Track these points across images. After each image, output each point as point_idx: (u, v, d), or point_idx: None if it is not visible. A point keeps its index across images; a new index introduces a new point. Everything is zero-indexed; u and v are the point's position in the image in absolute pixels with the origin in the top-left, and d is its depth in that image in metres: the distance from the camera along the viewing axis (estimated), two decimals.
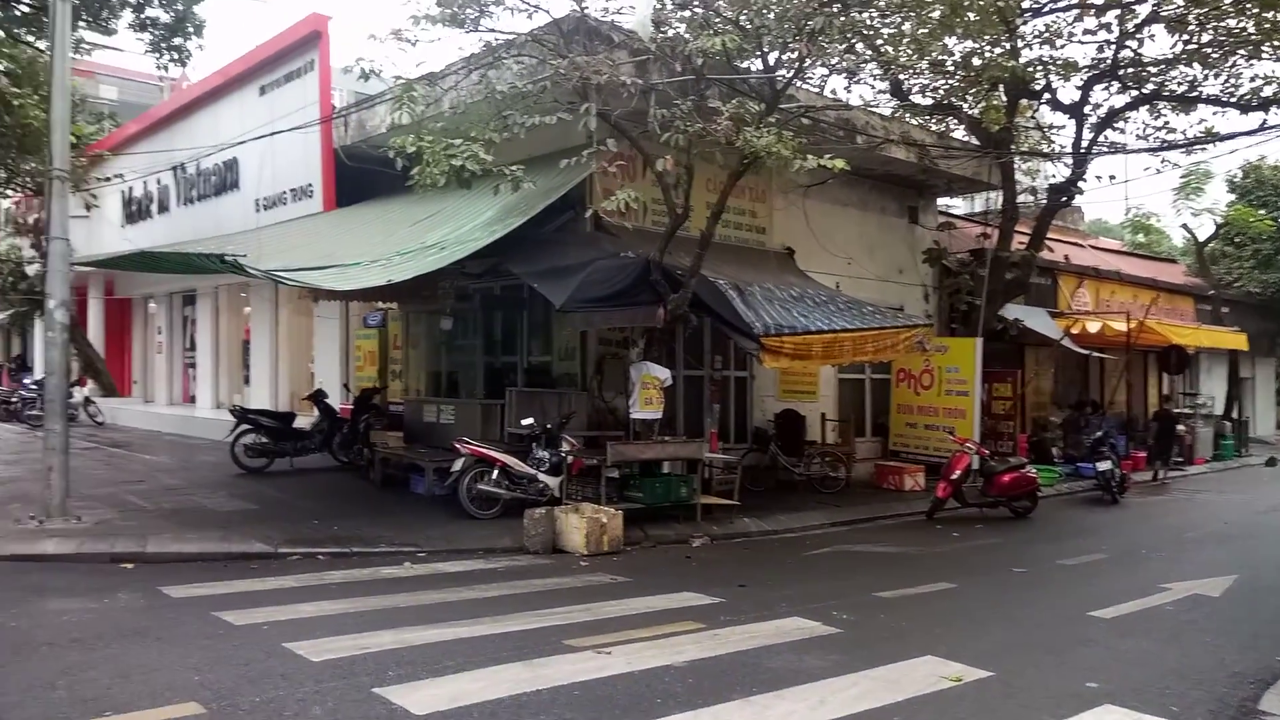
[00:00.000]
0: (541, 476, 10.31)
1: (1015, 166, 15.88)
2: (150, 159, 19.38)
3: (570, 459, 10.24)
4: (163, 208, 20.54)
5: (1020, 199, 16.36)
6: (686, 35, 9.58)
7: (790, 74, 10.41)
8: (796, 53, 9.95)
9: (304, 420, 14.16)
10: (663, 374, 10.67)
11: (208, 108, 18.75)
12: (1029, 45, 15.12)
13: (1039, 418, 18.48)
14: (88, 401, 20.94)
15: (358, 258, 10.84)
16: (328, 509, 10.53)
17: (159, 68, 16.55)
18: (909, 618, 7.04)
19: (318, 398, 13.73)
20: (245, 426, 12.90)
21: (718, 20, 9.75)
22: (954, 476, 12.16)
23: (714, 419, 12.69)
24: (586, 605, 7.05)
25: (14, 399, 22.06)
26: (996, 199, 16.44)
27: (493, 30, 10.18)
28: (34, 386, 20.80)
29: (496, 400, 12.85)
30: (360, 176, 14.49)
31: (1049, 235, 17.45)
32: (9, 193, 22.07)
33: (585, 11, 9.98)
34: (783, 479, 13.27)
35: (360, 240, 12.13)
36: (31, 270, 24.38)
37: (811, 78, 13.48)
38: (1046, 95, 16.06)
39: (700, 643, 6.11)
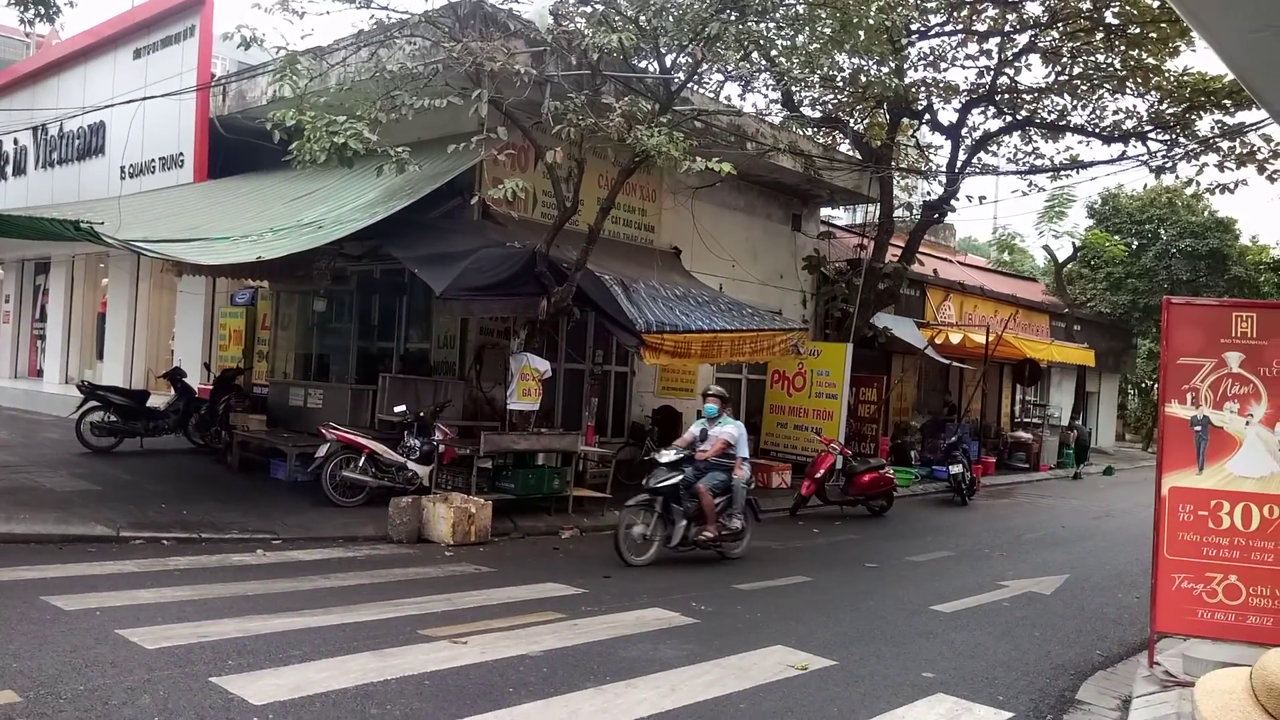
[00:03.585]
0: (411, 465, 10.12)
1: (894, 182, 16.56)
2: (8, 118, 18.13)
3: (442, 448, 10.10)
4: (19, 170, 19.30)
5: (896, 213, 17.08)
6: (585, 30, 9.57)
7: (685, 77, 10.54)
8: (692, 56, 10.09)
9: (159, 399, 13.46)
10: (542, 366, 10.65)
11: (76, 68, 17.74)
12: (914, 66, 15.86)
13: (901, 422, 19.32)
14: None
15: (227, 232, 10.41)
16: (178, 492, 10.03)
17: (23, 22, 15.43)
18: (764, 609, 7.24)
19: (175, 376, 13.05)
20: (93, 403, 12.15)
21: (617, 18, 9.78)
22: (818, 475, 12.59)
23: (591, 412, 12.74)
24: (446, 595, 6.97)
25: None
26: (874, 212, 17.09)
27: (385, 8, 9.94)
28: None
29: (369, 386, 12.54)
30: (236, 149, 13.93)
31: (921, 249, 18.30)
32: None
33: None
34: None
35: (231, 214, 11.65)
36: None
37: (707, 83, 13.74)
38: (927, 116, 16.87)
39: (558, 633, 6.14)
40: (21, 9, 14.83)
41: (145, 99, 13.62)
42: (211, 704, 4.44)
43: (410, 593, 6.98)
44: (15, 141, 19.07)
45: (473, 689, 4.95)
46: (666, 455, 9.03)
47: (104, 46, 16.83)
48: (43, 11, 14.99)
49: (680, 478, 8.81)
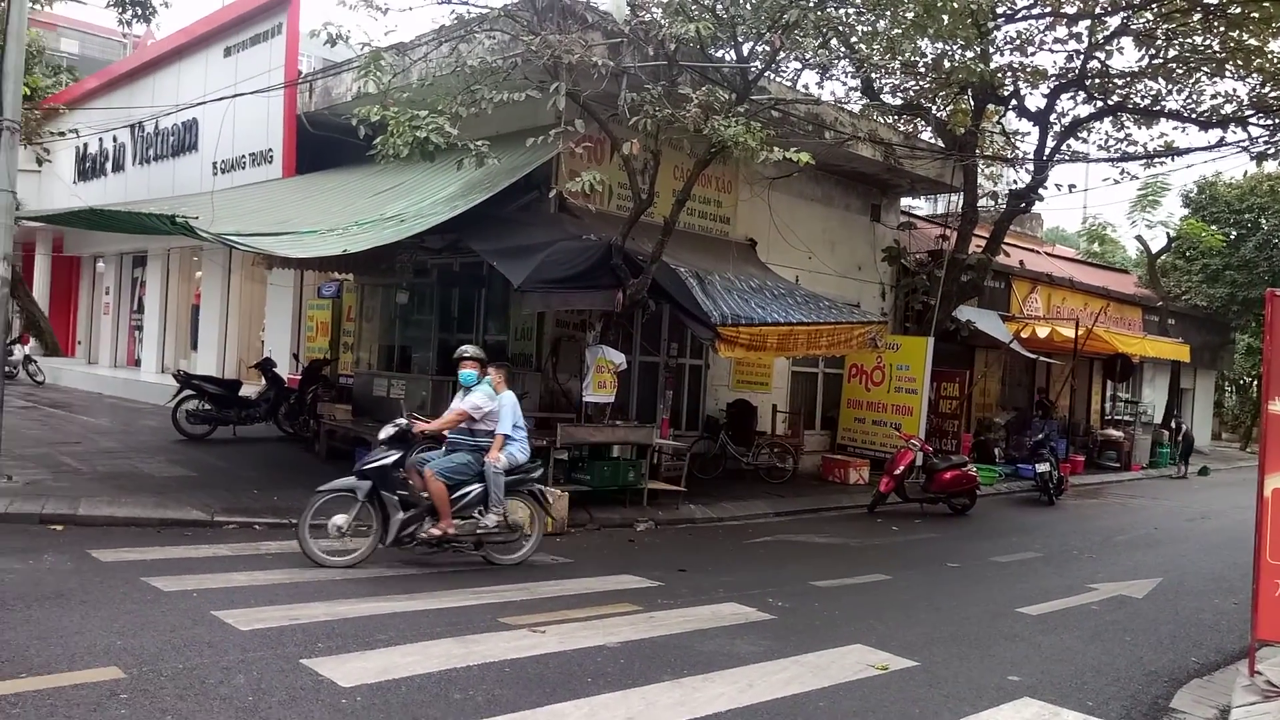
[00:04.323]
0: None
1: (978, 170, 16.10)
2: (107, 116, 18.94)
3: None
4: (117, 166, 20.13)
5: (980, 203, 16.60)
6: (662, 20, 9.55)
7: (763, 66, 10.43)
8: (770, 45, 9.97)
9: (250, 389, 13.96)
10: (618, 358, 10.68)
11: (170, 67, 18.41)
12: (999, 51, 15.35)
13: (984, 418, 18.83)
14: (28, 360, 20.42)
15: (314, 226, 10.68)
16: (269, 479, 10.39)
17: (121, 23, 16.12)
18: (842, 607, 7.15)
19: (265, 366, 13.52)
20: (188, 392, 12.67)
21: (694, 7, 9.72)
22: (897, 472, 12.35)
23: (666, 405, 12.73)
24: (524, 584, 7.06)
25: None
26: (957, 201, 16.65)
27: (466, 3, 10.07)
28: None
29: (449, 377, 12.73)
30: (322, 144, 14.29)
31: (1006, 240, 17.73)
32: None
33: None
34: (731, 468, 13.37)
35: (318, 208, 11.96)
36: None
37: (784, 71, 13.54)
38: (1013, 102, 16.31)
39: (635, 624, 6.16)
40: (120, 10, 15.51)
41: (235, 96, 14.06)
42: (302, 685, 4.58)
43: (489, 581, 7.09)
44: (115, 139, 19.91)
45: (552, 678, 5.00)
46: (385, 430, 7.39)
47: (196, 45, 17.43)
48: (139, 12, 15.65)
49: (394, 456, 7.20)
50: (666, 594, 7.09)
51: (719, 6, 9.76)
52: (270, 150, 15.31)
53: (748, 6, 9.74)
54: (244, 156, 15.90)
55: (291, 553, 7.54)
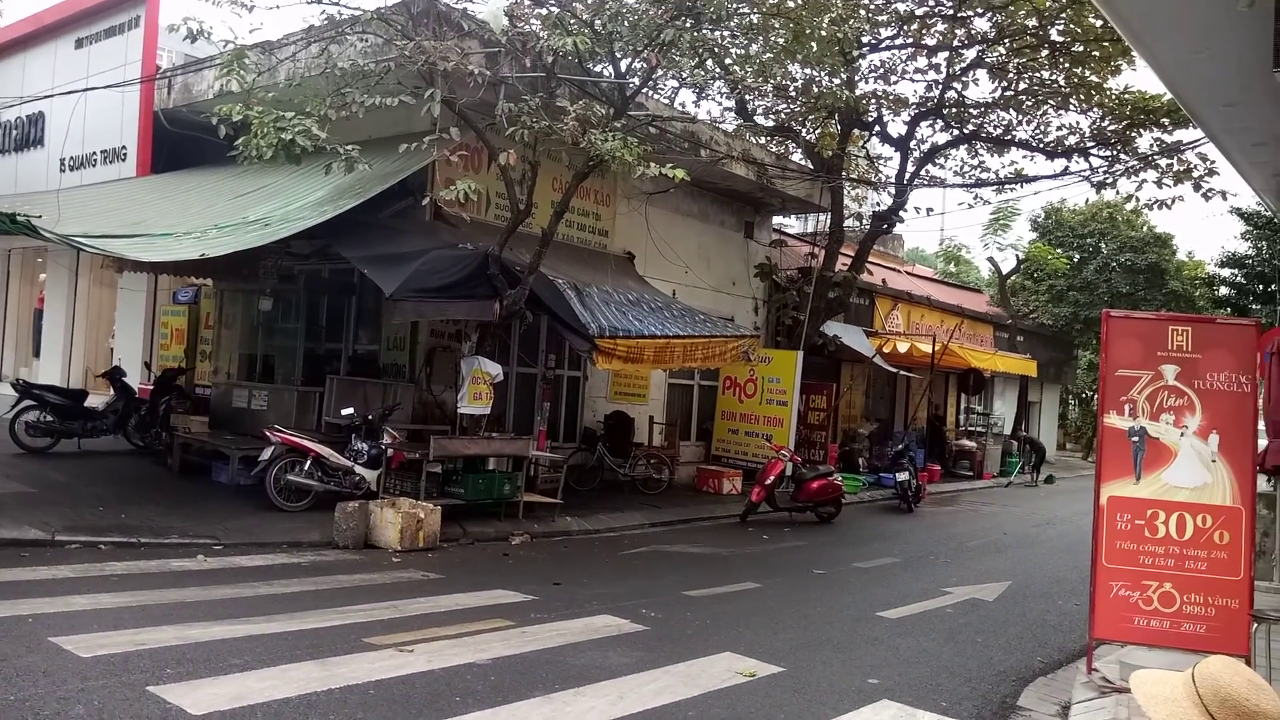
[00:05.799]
0: (359, 469, 9.96)
1: (844, 192, 16.78)
2: None
3: (391, 452, 9.96)
4: None
5: (846, 223, 17.31)
6: (540, 32, 9.55)
7: (640, 82, 10.56)
8: (647, 62, 10.12)
9: (98, 399, 13.08)
10: (494, 369, 10.57)
11: (15, 56, 17.24)
12: (864, 79, 16.12)
13: (849, 429, 19.56)
14: None
15: (170, 228, 10.18)
16: (116, 495, 9.72)
17: None
18: (712, 616, 7.26)
19: (114, 375, 12.68)
20: (28, 402, 11.76)
21: (572, 21, 9.76)
22: (768, 482, 12.68)
23: (543, 417, 12.68)
24: (393, 602, 6.87)
25: None
26: (825, 221, 17.29)
27: (337, 4, 9.80)
28: None
29: (315, 388, 12.33)
30: (181, 143, 13.66)
31: (870, 259, 18.55)
32: None
33: None
34: (608, 479, 13.40)
35: (175, 210, 11.40)
36: None
37: (662, 89, 13.78)
38: (877, 127, 17.12)
39: (507, 640, 6.09)
40: None
41: (87, 90, 13.27)
42: (149, 714, 4.32)
43: (356, 600, 6.86)
44: None
45: (418, 698, 4.88)
46: None
47: (44, 35, 16.38)
48: None
49: None
50: (540, 608, 7.04)
51: (597, 22, 9.84)
52: (124, 148, 14.51)
53: (625, 24, 9.86)
54: (95, 154, 15.01)
55: (140, 573, 7.13)
